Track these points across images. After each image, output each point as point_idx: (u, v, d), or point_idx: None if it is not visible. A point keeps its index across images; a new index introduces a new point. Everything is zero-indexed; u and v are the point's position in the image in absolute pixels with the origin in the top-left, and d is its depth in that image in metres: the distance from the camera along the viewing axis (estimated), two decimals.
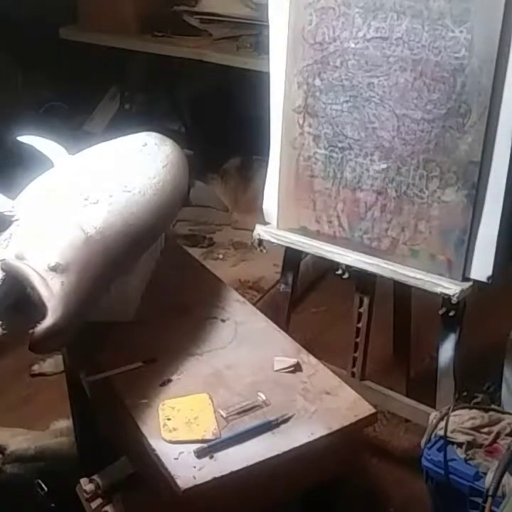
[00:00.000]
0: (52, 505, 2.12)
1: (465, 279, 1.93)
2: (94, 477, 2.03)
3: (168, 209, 1.77)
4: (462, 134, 1.85)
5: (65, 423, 2.45)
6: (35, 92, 3.96)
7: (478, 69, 1.78)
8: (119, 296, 1.70)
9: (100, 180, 1.66)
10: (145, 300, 1.87)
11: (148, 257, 1.86)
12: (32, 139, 1.94)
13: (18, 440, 2.38)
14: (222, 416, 1.50)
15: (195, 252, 2.84)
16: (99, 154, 1.83)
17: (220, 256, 3.51)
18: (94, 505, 2.00)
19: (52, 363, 2.88)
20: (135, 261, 1.69)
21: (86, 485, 2.01)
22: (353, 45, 1.97)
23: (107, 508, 1.99)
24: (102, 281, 1.49)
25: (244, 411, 1.51)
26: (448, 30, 1.81)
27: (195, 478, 1.36)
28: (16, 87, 3.89)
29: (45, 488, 2.14)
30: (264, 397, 1.54)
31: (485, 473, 1.77)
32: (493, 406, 2.01)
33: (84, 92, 4.00)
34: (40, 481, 2.16)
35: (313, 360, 1.68)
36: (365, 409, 1.54)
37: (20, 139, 1.96)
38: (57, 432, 2.43)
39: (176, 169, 1.85)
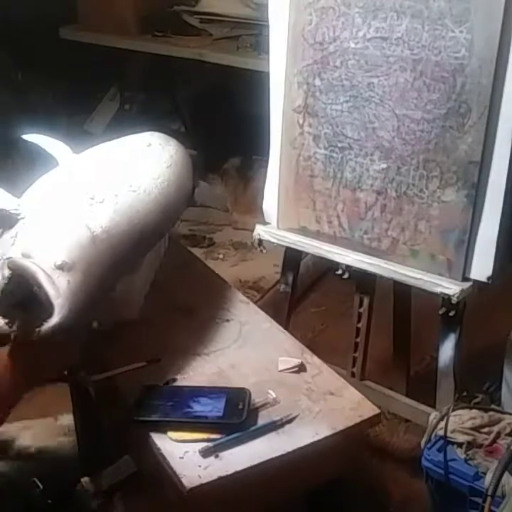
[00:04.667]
0: (49, 501, 2.12)
1: (465, 279, 1.94)
2: (95, 477, 2.03)
3: (173, 209, 1.76)
4: (462, 134, 1.85)
5: (68, 418, 2.45)
6: (35, 92, 3.96)
7: (478, 69, 1.79)
8: (124, 295, 1.70)
9: (105, 180, 1.65)
10: (149, 300, 1.87)
11: (152, 257, 1.86)
12: (37, 138, 1.94)
13: (24, 436, 2.38)
14: None
15: (196, 252, 2.82)
16: (103, 153, 1.82)
17: (220, 256, 3.51)
18: (94, 505, 2.00)
19: None
20: (140, 260, 1.69)
21: (86, 484, 2.02)
22: (353, 45, 1.97)
23: (107, 508, 1.99)
24: (108, 279, 1.50)
25: (255, 408, 1.51)
26: (448, 30, 1.81)
27: (200, 477, 1.36)
28: (16, 87, 3.89)
29: (41, 486, 2.14)
30: (274, 395, 1.54)
31: (485, 473, 1.77)
32: (493, 406, 2.01)
33: (84, 92, 4.00)
34: (35, 480, 2.16)
35: (317, 360, 1.68)
36: (370, 409, 1.54)
37: (25, 137, 1.96)
38: (61, 429, 2.43)
39: (180, 169, 1.85)
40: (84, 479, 2.02)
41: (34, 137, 1.94)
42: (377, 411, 1.54)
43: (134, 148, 1.85)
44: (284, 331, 1.80)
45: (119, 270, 1.55)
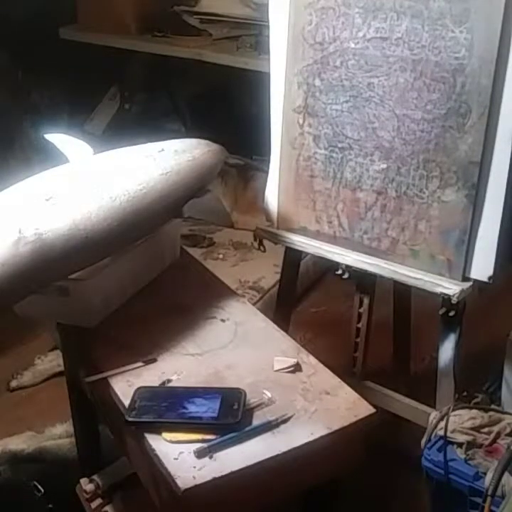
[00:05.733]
0: (50, 506, 2.12)
1: (465, 279, 1.93)
2: (94, 477, 2.03)
3: (144, 219, 1.74)
4: (462, 134, 1.85)
5: (61, 428, 2.45)
6: (35, 92, 3.96)
7: (478, 69, 1.78)
8: (79, 301, 1.71)
9: (81, 182, 1.67)
10: (145, 300, 1.87)
11: (123, 268, 1.84)
12: (59, 138, 1.94)
13: (20, 441, 2.39)
14: None
15: (195, 252, 2.84)
16: (109, 157, 1.83)
17: (220, 256, 3.50)
18: (94, 505, 2.00)
19: (29, 375, 2.88)
20: (83, 267, 1.67)
21: (86, 485, 2.02)
22: (353, 45, 1.97)
23: (107, 508, 1.99)
24: (31, 279, 1.53)
25: (250, 408, 1.51)
26: (448, 30, 1.81)
27: (194, 478, 1.35)
28: (16, 87, 3.89)
29: (42, 490, 2.14)
30: (269, 395, 1.54)
31: (485, 473, 1.77)
32: (493, 406, 2.01)
33: (85, 92, 4.00)
34: (36, 483, 2.16)
35: (313, 360, 1.68)
36: (365, 409, 1.54)
37: (47, 137, 1.96)
38: (55, 435, 2.43)
39: (180, 178, 1.82)
40: (83, 480, 2.02)
41: (56, 137, 1.94)
42: (373, 410, 1.54)
43: (142, 152, 1.84)
44: (280, 330, 1.79)
45: (53, 270, 1.57)
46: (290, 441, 1.44)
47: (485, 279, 1.91)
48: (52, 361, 2.89)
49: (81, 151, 1.90)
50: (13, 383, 2.84)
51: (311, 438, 1.45)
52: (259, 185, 3.24)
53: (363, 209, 2.06)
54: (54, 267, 1.56)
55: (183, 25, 3.73)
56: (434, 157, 1.91)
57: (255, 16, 3.40)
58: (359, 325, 2.20)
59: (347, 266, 2.11)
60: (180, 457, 1.40)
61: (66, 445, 2.36)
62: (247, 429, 1.45)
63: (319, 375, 1.63)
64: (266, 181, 2.26)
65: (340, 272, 2.15)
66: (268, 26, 2.15)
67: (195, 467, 1.38)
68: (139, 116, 4.21)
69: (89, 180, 1.69)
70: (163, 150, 1.86)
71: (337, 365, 2.02)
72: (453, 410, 1.91)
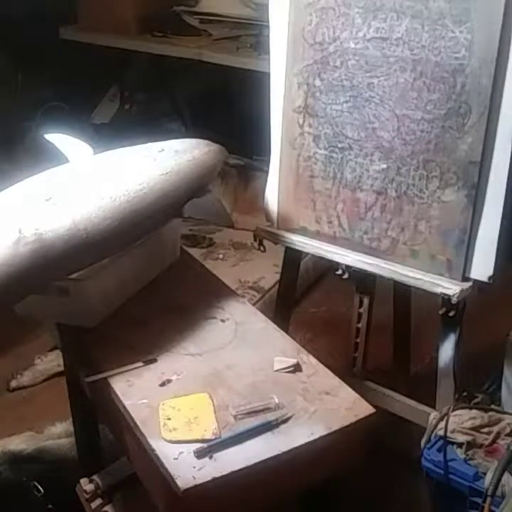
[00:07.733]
0: (50, 506, 2.12)
1: (465, 279, 1.93)
2: (94, 477, 2.03)
3: (141, 219, 1.74)
4: (462, 134, 1.84)
5: (61, 427, 2.45)
6: (35, 92, 3.96)
7: (478, 69, 1.78)
8: (78, 300, 1.72)
9: (81, 183, 1.68)
10: (145, 300, 1.87)
11: (124, 269, 1.84)
12: (58, 137, 1.94)
13: (20, 441, 2.39)
14: (231, 414, 1.50)
15: (195, 252, 2.84)
16: (109, 157, 1.83)
17: (220, 256, 3.51)
18: (94, 505, 2.00)
19: (29, 375, 2.88)
20: (83, 267, 1.68)
21: (86, 485, 2.02)
22: (353, 46, 1.97)
23: (107, 508, 1.99)
24: (33, 278, 1.53)
25: (255, 412, 1.51)
26: (448, 30, 1.81)
27: (194, 478, 1.36)
28: (16, 87, 3.89)
29: (42, 490, 2.14)
30: (277, 401, 1.54)
31: (485, 474, 1.77)
32: (493, 406, 2.01)
33: (84, 92, 4.00)
34: (36, 483, 2.16)
35: (313, 360, 1.68)
36: (365, 409, 1.54)
37: (47, 137, 1.96)
38: (55, 435, 2.43)
39: (180, 178, 1.82)
40: (83, 480, 2.02)
41: (56, 137, 1.94)
42: (373, 410, 1.54)
43: (141, 153, 1.84)
44: (280, 330, 1.80)
45: (53, 270, 1.58)
46: (290, 441, 1.44)
47: (485, 279, 1.91)
48: (52, 361, 2.89)
49: (81, 151, 1.90)
50: (13, 383, 2.84)
51: (311, 438, 1.46)
52: (259, 185, 3.24)
53: (363, 209, 2.06)
54: (54, 267, 1.56)
55: (183, 25, 3.74)
56: (434, 157, 1.91)
57: (255, 16, 3.41)
58: (359, 325, 2.20)
59: (347, 266, 2.11)
60: (180, 457, 1.40)
61: (66, 445, 2.36)
62: (247, 429, 1.45)
63: (319, 375, 1.63)
64: (266, 181, 2.26)
65: (340, 272, 2.15)
66: (268, 26, 2.15)
67: (195, 467, 1.38)
68: (139, 116, 4.22)
69: (89, 180, 1.70)
70: (163, 150, 1.86)
71: (337, 365, 2.02)
72: (453, 410, 1.91)
